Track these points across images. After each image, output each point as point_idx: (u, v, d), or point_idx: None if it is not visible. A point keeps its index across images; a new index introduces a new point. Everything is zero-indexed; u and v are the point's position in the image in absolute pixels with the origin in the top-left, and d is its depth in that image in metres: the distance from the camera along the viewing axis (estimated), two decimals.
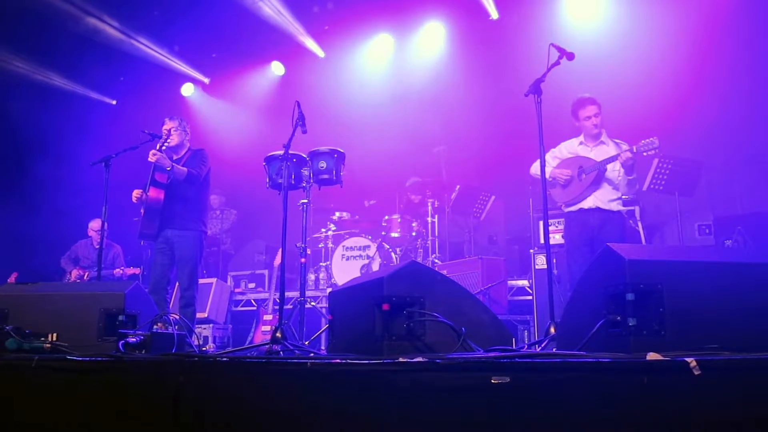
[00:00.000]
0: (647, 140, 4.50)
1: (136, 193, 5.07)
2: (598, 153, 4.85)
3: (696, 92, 6.41)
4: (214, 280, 7.49)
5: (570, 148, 5.00)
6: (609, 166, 4.72)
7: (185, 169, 5.08)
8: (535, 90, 3.73)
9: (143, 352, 3.08)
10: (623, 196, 4.90)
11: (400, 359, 2.09)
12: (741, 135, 6.45)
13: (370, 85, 8.70)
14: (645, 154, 4.55)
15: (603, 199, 4.80)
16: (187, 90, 9.85)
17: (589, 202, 4.81)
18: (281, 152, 4.23)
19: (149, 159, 4.93)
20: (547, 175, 4.80)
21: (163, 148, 5.02)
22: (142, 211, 5.09)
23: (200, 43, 8.97)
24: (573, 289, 2.89)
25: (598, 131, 4.87)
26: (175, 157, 5.20)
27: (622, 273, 2.34)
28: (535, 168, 4.99)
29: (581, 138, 4.97)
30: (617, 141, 4.87)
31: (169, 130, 5.13)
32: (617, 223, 4.84)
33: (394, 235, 6.94)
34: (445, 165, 7.55)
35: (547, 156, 4.94)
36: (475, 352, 2.60)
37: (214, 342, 6.95)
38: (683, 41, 6.55)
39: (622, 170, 4.69)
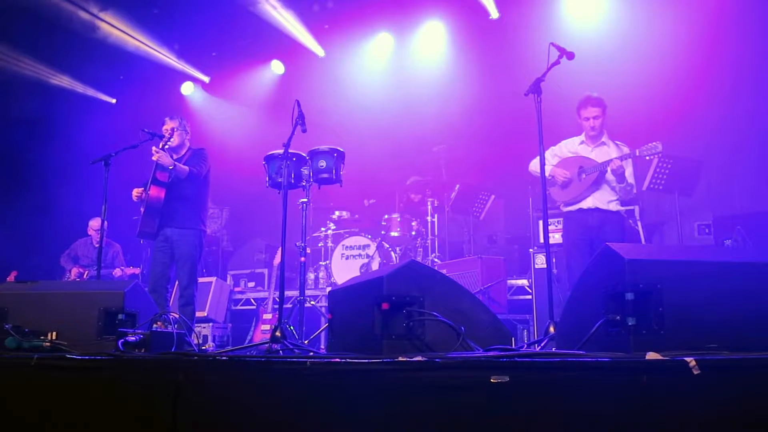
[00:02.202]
0: (650, 144, 4.48)
1: (136, 192, 5.07)
2: (598, 153, 4.84)
3: (696, 92, 6.41)
4: (213, 279, 7.49)
5: (571, 147, 4.98)
6: (609, 168, 4.70)
7: (187, 167, 5.08)
8: (535, 89, 3.72)
9: (143, 350, 3.09)
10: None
11: (400, 358, 2.09)
12: (741, 134, 6.45)
13: (370, 84, 8.70)
14: (648, 157, 4.56)
15: (602, 200, 4.80)
16: (187, 89, 9.85)
17: (588, 203, 4.81)
18: (281, 151, 4.23)
19: (153, 158, 4.93)
20: (546, 173, 4.81)
21: (166, 147, 5.02)
22: (142, 209, 5.08)
23: (200, 41, 8.96)
24: (572, 289, 2.89)
25: (596, 134, 4.84)
26: (175, 157, 5.19)
27: (621, 272, 2.34)
28: (534, 165, 4.96)
29: (582, 137, 4.95)
30: (618, 143, 4.86)
31: (172, 130, 5.12)
32: (616, 223, 4.84)
33: (394, 234, 6.94)
34: (445, 164, 7.55)
35: (547, 153, 4.90)
36: (475, 351, 2.60)
37: (213, 341, 6.96)
38: (684, 40, 6.54)
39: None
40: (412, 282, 2.66)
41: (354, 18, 8.40)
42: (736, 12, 6.48)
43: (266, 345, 3.45)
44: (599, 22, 7.34)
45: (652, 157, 4.53)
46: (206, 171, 5.25)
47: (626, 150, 4.74)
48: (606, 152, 4.81)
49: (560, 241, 5.47)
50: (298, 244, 4.78)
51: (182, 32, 8.72)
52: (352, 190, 6.44)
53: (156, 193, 5.02)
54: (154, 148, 4.95)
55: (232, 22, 8.38)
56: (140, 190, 5.05)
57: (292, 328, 4.45)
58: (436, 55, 8.42)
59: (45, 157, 8.63)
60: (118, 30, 8.35)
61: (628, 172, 4.79)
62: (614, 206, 4.83)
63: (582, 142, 4.94)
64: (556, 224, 5.55)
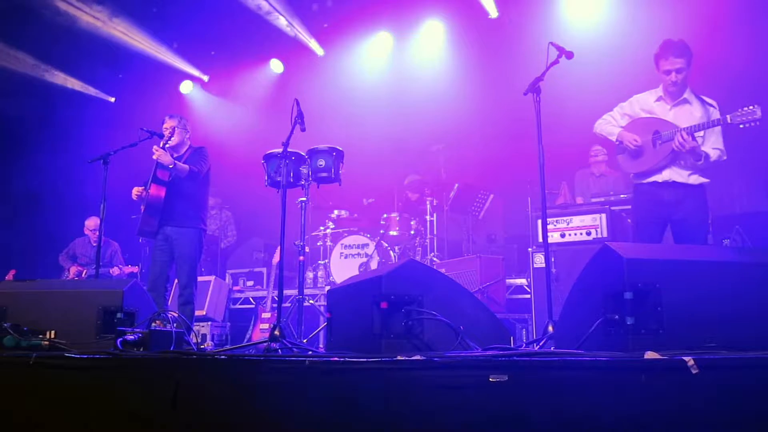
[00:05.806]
0: (746, 108, 3.76)
1: (136, 191, 5.06)
2: (678, 113, 4.09)
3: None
4: (212, 277, 7.48)
5: (644, 104, 4.20)
6: (679, 137, 3.94)
7: (187, 166, 5.08)
8: (533, 89, 3.72)
9: (141, 349, 3.08)
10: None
11: (399, 357, 2.09)
12: (739, 135, 6.43)
13: (369, 84, 8.70)
14: (742, 126, 3.80)
15: (681, 171, 4.07)
16: (186, 87, 9.84)
17: (664, 175, 4.08)
18: (280, 150, 4.23)
19: (153, 156, 4.93)
20: (613, 138, 4.26)
21: (167, 146, 5.02)
22: (142, 208, 5.08)
23: (199, 40, 8.95)
24: (571, 288, 2.89)
25: (678, 89, 4.07)
26: (175, 155, 5.19)
27: (620, 272, 2.34)
28: (601, 127, 4.33)
29: (659, 92, 4.17)
30: (706, 99, 4.09)
31: (172, 129, 5.11)
32: (699, 197, 4.10)
33: (393, 233, 6.94)
34: (444, 163, 7.56)
35: (615, 111, 4.35)
36: (473, 350, 2.60)
37: (212, 340, 6.95)
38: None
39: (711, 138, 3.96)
40: (410, 281, 2.66)
41: (353, 17, 8.40)
42: (735, 12, 6.48)
43: (265, 344, 3.45)
44: (599, 22, 7.34)
45: (746, 125, 3.74)
46: (207, 169, 5.25)
47: (716, 107, 4.05)
48: (688, 111, 4.07)
49: (559, 240, 5.46)
50: (297, 243, 4.78)
51: (181, 31, 8.71)
52: (351, 189, 6.43)
53: (156, 191, 5.01)
54: (154, 146, 4.94)
55: (231, 21, 8.37)
56: (140, 188, 5.05)
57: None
58: (435, 54, 8.42)
59: (44, 156, 8.62)
60: (117, 28, 8.34)
61: (713, 140, 4.05)
62: (695, 179, 4.07)
63: (659, 98, 4.15)
64: (555, 224, 5.54)
